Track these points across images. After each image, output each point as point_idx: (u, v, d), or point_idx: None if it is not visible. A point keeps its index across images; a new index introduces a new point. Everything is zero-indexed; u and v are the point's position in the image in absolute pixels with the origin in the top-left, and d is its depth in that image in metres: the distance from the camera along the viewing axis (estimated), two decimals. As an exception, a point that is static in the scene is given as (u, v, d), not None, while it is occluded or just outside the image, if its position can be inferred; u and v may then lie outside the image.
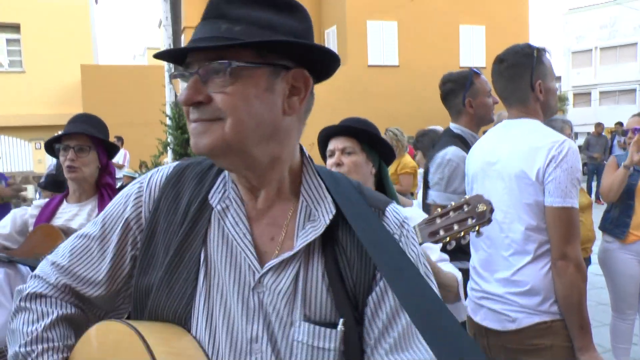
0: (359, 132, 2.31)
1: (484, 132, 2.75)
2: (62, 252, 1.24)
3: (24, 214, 2.73)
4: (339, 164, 2.28)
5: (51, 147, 2.72)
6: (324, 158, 2.42)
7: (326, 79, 1.17)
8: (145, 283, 1.14)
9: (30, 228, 2.69)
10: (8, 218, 2.74)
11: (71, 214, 2.69)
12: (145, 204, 1.19)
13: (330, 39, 20.74)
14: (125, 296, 1.24)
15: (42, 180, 6.48)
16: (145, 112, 13.98)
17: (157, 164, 6.48)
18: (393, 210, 1.18)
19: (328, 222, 1.10)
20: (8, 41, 20.26)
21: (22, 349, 1.13)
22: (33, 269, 2.26)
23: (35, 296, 1.21)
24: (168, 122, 6.14)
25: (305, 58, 1.08)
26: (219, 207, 1.13)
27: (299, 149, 1.18)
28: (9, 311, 2.04)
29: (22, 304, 1.21)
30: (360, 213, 1.11)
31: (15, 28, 20.00)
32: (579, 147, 25.91)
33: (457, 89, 3.16)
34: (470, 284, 2.57)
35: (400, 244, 1.12)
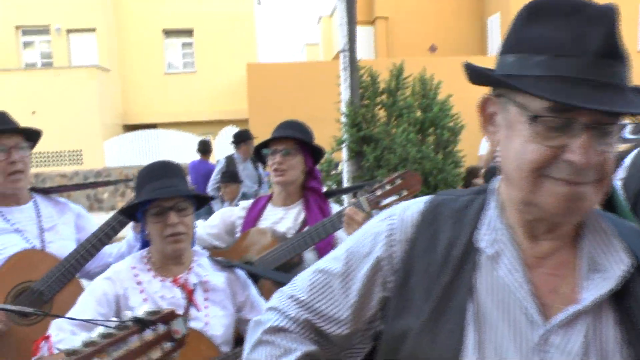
0: None
1: None
2: (300, 286, 1.21)
3: (231, 215, 2.83)
4: None
5: (259, 152, 2.80)
6: None
7: None
8: (401, 327, 1.07)
9: (238, 229, 2.78)
10: (217, 218, 2.86)
11: (277, 217, 2.73)
12: (399, 243, 1.11)
13: (492, 28, 19.87)
14: (363, 335, 1.19)
15: (221, 177, 6.85)
16: (309, 108, 14.40)
17: (329, 161, 6.58)
18: None
19: (622, 273, 0.97)
20: (183, 45, 22.10)
21: None
22: (250, 274, 2.32)
23: (278, 330, 1.19)
24: (343, 119, 6.19)
25: None
26: (490, 251, 1.03)
27: None
28: (231, 313, 2.19)
29: (266, 336, 1.19)
30: None
31: (189, 33, 21.69)
32: None
33: None
34: None
35: None
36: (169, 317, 1.17)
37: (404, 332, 1.06)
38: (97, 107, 19.50)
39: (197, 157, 8.99)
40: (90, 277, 2.64)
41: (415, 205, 1.14)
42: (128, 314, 1.13)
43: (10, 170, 2.43)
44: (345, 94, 6.18)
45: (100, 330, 1.07)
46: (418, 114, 6.36)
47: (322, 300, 1.16)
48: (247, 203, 2.87)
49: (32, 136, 2.57)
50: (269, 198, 2.83)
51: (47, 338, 1.90)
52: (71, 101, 19.02)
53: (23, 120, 2.65)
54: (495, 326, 1.00)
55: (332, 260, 1.19)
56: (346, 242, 1.20)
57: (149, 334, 1.13)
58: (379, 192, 2.41)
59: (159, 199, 2.04)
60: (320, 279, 1.18)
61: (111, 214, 2.52)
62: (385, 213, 1.17)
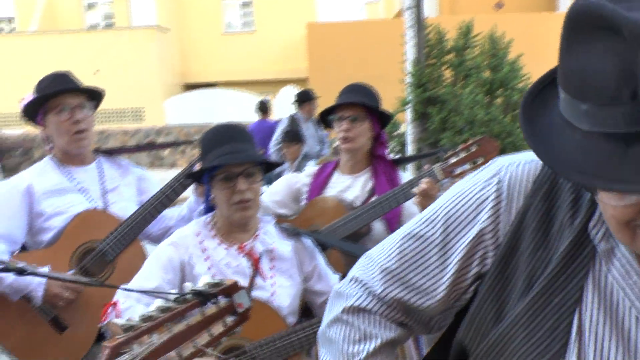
0: None
1: None
2: (388, 252, 1.04)
3: (296, 182, 2.75)
4: None
5: (324, 117, 2.70)
6: None
7: None
8: (492, 312, 0.93)
9: (303, 196, 2.70)
10: (281, 184, 2.78)
11: (344, 185, 2.63)
12: (506, 214, 0.93)
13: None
14: (445, 312, 1.04)
15: (284, 137, 6.78)
16: (370, 68, 14.12)
17: (393, 122, 6.39)
18: None
19: None
20: (241, 5, 22.34)
21: None
22: (318, 242, 2.22)
23: (359, 310, 1.06)
24: (408, 80, 5.99)
25: None
26: (602, 245, 0.84)
27: None
28: (298, 282, 2.09)
29: (345, 316, 1.07)
30: None
31: (248, -7, 21.81)
32: None
33: None
34: None
35: None
36: (231, 290, 1.07)
37: (496, 319, 0.93)
38: (157, 67, 19.83)
39: (256, 117, 8.95)
40: (152, 239, 2.65)
41: (532, 167, 0.93)
42: (188, 286, 1.03)
43: (74, 129, 2.41)
44: (410, 53, 5.97)
45: (159, 303, 0.98)
46: (486, 74, 6.09)
47: (414, 271, 1.01)
48: (312, 169, 2.79)
49: (95, 96, 2.55)
50: (336, 165, 2.73)
51: (115, 304, 1.88)
52: (132, 61, 19.40)
53: (86, 80, 2.64)
54: (601, 335, 0.84)
55: (427, 224, 1.01)
56: (442, 203, 1.02)
57: (210, 308, 1.04)
58: (452, 160, 2.28)
59: (228, 164, 1.94)
60: (412, 245, 1.02)
61: (171, 171, 2.48)
62: (489, 172, 0.97)
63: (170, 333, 0.97)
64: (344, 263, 2.46)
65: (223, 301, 1.06)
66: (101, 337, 2.33)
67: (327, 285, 2.13)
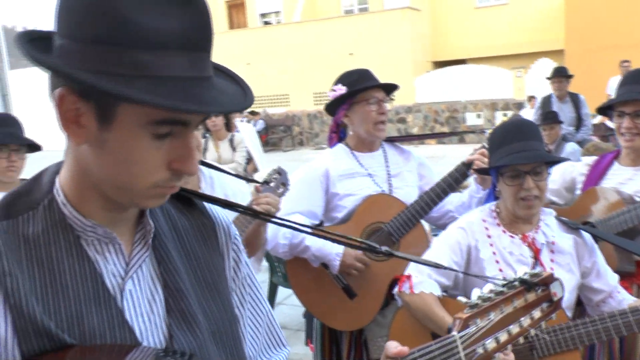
0: None
1: None
2: None
3: (572, 171, 2.73)
4: None
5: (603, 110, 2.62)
6: None
7: None
8: None
9: (578, 186, 2.68)
10: (557, 174, 2.77)
11: (624, 177, 2.53)
12: None
13: None
14: None
15: (542, 118, 6.57)
16: (635, 36, 12.77)
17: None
18: None
19: None
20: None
21: None
22: (594, 237, 2.22)
23: None
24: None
25: None
26: None
27: None
28: (576, 277, 2.10)
29: None
30: None
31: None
32: None
33: None
34: None
35: None
36: (547, 280, 1.27)
37: None
38: (409, 46, 20.32)
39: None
40: (433, 222, 2.88)
41: None
42: (512, 275, 1.25)
43: (379, 119, 2.71)
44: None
45: (490, 287, 1.22)
46: None
47: None
48: (590, 159, 2.72)
49: (390, 90, 2.83)
50: (616, 155, 2.64)
51: (409, 277, 2.12)
52: (384, 42, 20.17)
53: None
54: None
55: None
56: None
57: (531, 295, 1.25)
58: None
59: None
60: None
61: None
62: None
63: (502, 313, 1.20)
64: (617, 260, 2.40)
65: (540, 289, 1.27)
66: (384, 306, 2.62)
67: (606, 283, 2.13)
